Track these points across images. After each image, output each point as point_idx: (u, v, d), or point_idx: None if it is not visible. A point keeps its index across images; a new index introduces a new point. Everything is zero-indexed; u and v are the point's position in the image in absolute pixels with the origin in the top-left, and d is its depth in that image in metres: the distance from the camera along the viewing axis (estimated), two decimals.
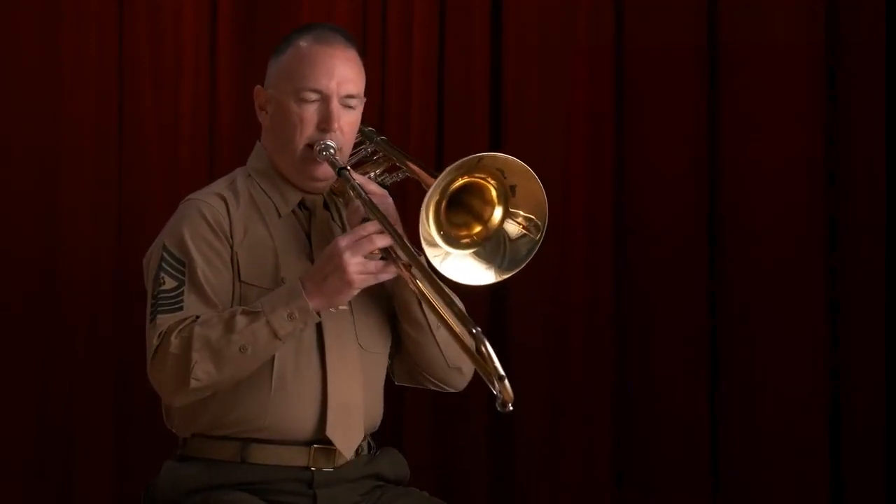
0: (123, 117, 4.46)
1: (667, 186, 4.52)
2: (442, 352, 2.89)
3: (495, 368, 2.48)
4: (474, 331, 2.52)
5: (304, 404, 2.78)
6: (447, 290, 2.64)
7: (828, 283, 4.46)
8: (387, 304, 2.92)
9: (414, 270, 2.69)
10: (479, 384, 3.96)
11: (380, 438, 2.96)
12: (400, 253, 2.70)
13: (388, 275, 2.72)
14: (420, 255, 2.65)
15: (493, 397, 2.48)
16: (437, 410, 4.45)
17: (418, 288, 2.70)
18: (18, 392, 4.37)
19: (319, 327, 2.80)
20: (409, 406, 4.43)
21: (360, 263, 2.68)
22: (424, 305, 2.81)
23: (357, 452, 2.85)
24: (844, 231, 4.48)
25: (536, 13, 4.54)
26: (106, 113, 4.44)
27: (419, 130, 4.52)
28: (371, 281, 2.71)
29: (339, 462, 2.82)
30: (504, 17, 4.56)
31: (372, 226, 2.70)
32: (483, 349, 2.50)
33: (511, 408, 2.47)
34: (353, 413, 2.82)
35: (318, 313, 2.71)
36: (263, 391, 2.77)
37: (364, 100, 2.92)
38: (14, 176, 4.40)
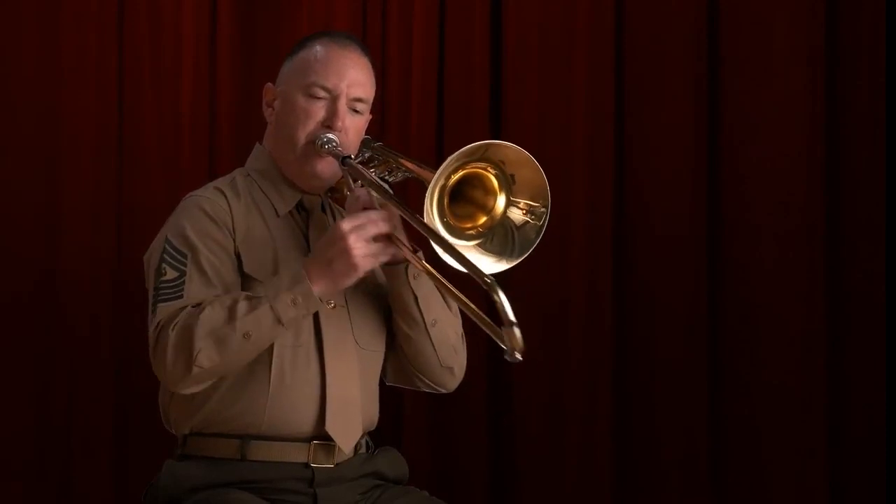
0: (123, 117, 4.45)
1: (667, 186, 4.52)
2: (435, 350, 2.90)
3: (507, 315, 2.43)
4: (487, 279, 2.49)
5: (304, 400, 2.79)
6: (457, 250, 2.61)
7: (828, 283, 4.46)
8: (383, 302, 2.93)
9: (419, 253, 2.71)
10: (479, 384, 3.94)
11: (379, 438, 2.96)
12: (404, 240, 2.71)
13: (388, 255, 2.72)
14: (422, 218, 2.64)
15: (502, 351, 2.43)
16: (437, 410, 4.45)
17: (425, 268, 2.71)
18: (18, 392, 4.36)
19: (317, 325, 2.81)
20: (408, 406, 4.43)
21: (365, 246, 2.68)
22: (420, 301, 2.82)
23: (356, 451, 2.86)
24: (844, 231, 4.48)
25: (536, 13, 4.55)
26: (106, 113, 4.44)
27: (419, 130, 4.52)
28: (375, 263, 2.72)
29: (339, 458, 2.83)
30: (504, 16, 4.56)
31: (375, 213, 2.71)
32: (496, 297, 2.45)
33: (520, 357, 2.41)
34: (352, 409, 2.83)
35: (321, 300, 2.71)
36: (262, 388, 2.78)
37: (370, 115, 2.92)
38: (14, 176, 4.39)
